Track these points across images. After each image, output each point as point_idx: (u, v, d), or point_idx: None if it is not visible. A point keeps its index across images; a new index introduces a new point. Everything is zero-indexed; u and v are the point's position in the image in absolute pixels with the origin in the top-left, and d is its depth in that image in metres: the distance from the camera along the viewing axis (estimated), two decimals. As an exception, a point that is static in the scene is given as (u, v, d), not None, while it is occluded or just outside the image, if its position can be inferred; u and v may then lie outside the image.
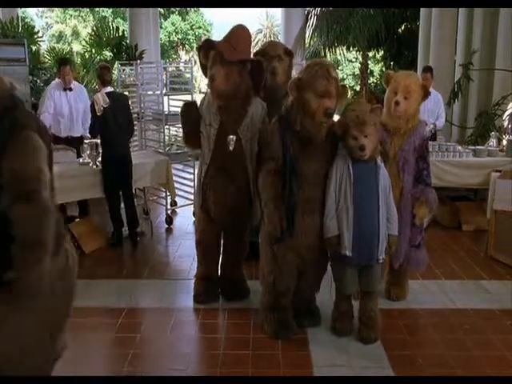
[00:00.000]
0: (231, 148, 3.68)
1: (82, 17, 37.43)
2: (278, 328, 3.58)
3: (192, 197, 6.60)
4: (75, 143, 5.98)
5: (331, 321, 3.67)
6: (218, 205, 3.87)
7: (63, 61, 6.57)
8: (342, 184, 3.33)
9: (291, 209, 3.38)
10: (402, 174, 3.89)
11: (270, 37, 42.06)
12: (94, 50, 10.16)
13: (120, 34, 10.25)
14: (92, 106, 5.30)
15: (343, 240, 3.34)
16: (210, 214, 3.94)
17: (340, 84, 3.36)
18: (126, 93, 7.08)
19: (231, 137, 3.68)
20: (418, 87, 3.86)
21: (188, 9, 40.76)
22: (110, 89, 5.40)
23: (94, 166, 5.45)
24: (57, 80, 6.48)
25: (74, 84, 6.41)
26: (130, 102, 5.86)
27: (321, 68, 3.28)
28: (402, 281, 4.19)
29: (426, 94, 3.92)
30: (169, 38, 38.91)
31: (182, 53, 41.98)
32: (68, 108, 6.25)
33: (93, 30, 10.73)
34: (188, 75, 7.35)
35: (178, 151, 6.88)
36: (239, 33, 3.81)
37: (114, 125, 5.27)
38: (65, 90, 6.26)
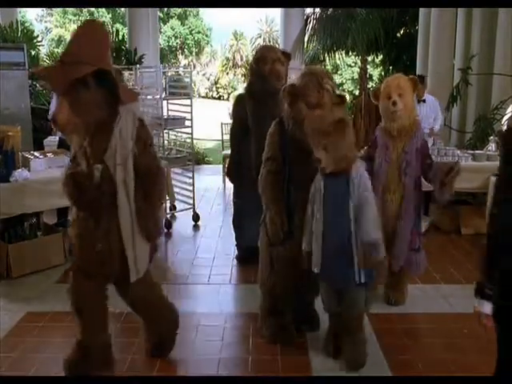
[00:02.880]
0: (96, 180, 2.89)
1: (81, 21, 37.48)
2: (277, 333, 3.58)
3: (191, 201, 6.62)
4: None
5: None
6: (86, 253, 3.01)
7: None
8: (314, 198, 3.15)
9: (290, 211, 3.39)
10: (404, 176, 3.90)
11: (270, 41, 42.25)
12: (93, 55, 10.17)
13: (119, 38, 10.28)
14: None
15: (313, 256, 3.18)
16: (82, 266, 3.08)
17: (336, 94, 3.32)
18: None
19: (96, 166, 2.89)
20: (406, 82, 3.96)
21: (187, 13, 40.87)
22: None
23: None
24: None
25: None
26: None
27: (313, 78, 3.25)
28: (401, 285, 4.19)
29: (414, 86, 4.00)
30: (168, 42, 39.05)
31: (181, 57, 42.09)
32: None
33: (92, 34, 10.74)
34: (187, 79, 7.35)
35: (178, 156, 6.89)
36: (79, 39, 2.84)
37: None
38: None
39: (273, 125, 3.51)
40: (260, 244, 3.64)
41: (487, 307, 2.25)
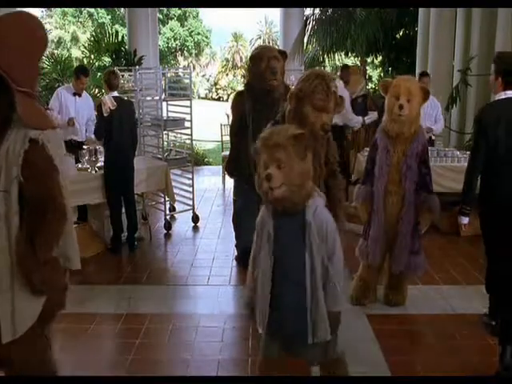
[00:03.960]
0: None
1: (81, 22, 37.53)
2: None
3: (191, 202, 6.62)
4: (76, 148, 5.99)
5: None
6: None
7: (85, 71, 6.58)
8: (261, 239, 2.50)
9: None
10: (404, 180, 3.89)
11: (269, 42, 42.25)
12: (92, 56, 10.19)
13: (119, 39, 10.28)
14: (99, 107, 5.36)
15: (257, 310, 2.52)
16: None
17: (338, 96, 3.32)
18: (125, 98, 7.10)
19: None
20: (418, 90, 3.90)
21: (187, 14, 40.86)
22: (116, 94, 5.47)
23: (93, 172, 5.45)
24: (66, 84, 6.56)
25: (83, 92, 6.49)
26: (134, 109, 5.89)
27: (321, 82, 3.21)
28: (401, 286, 4.19)
29: (426, 97, 3.95)
30: (167, 43, 39.00)
31: (180, 58, 42.08)
32: (74, 112, 6.32)
33: (92, 35, 10.77)
34: (187, 81, 7.36)
35: (177, 157, 6.89)
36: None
37: (119, 129, 5.34)
38: (74, 94, 6.35)
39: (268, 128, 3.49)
40: None
41: (465, 220, 3.64)
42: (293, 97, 3.32)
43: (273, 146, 2.33)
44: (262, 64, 4.63)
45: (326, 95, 3.23)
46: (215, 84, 46.13)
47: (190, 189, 6.63)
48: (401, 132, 3.88)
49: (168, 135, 7.21)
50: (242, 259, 5.17)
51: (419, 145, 3.92)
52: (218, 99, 43.10)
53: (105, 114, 5.27)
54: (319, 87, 3.22)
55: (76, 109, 6.35)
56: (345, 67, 8.23)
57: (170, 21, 39.88)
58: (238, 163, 4.89)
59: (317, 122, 3.25)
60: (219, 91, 45.22)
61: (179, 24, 40.52)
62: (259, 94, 4.63)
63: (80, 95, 6.39)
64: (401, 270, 4.05)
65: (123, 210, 5.58)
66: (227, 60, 47.65)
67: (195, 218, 6.61)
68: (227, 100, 38.86)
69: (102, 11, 34.91)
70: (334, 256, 2.39)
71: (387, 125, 3.96)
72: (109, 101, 5.25)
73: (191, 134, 6.65)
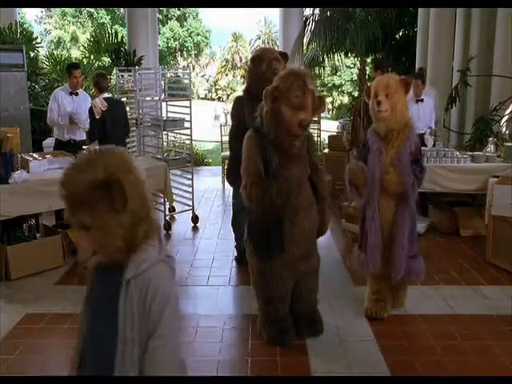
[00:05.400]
0: None
1: (80, 23, 37.55)
2: (276, 334, 3.57)
3: (190, 203, 6.62)
4: (77, 147, 6.00)
5: None
6: None
7: (75, 64, 6.67)
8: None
9: (278, 223, 3.32)
10: (398, 182, 3.78)
11: (269, 43, 42.31)
12: (92, 56, 10.19)
13: (118, 39, 10.28)
14: (90, 110, 5.37)
15: None
16: None
17: (316, 96, 3.27)
18: (124, 99, 7.12)
19: None
20: (396, 83, 3.79)
21: (186, 15, 40.89)
22: (107, 95, 5.50)
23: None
24: (65, 84, 6.59)
25: (80, 90, 6.49)
26: (127, 109, 5.97)
27: (297, 79, 3.18)
28: (399, 292, 4.11)
29: (407, 89, 3.83)
30: (167, 44, 39.02)
31: (180, 59, 42.11)
32: (72, 112, 6.31)
33: (91, 35, 10.77)
34: (186, 81, 7.36)
35: (177, 157, 6.89)
36: None
37: (113, 128, 5.35)
38: (71, 94, 6.35)
39: (249, 137, 3.41)
40: (249, 261, 3.62)
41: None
42: (268, 96, 3.25)
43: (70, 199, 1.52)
44: (263, 65, 4.60)
45: (302, 92, 3.17)
46: (215, 84, 46.20)
47: (190, 189, 6.63)
48: (390, 129, 3.75)
49: (168, 135, 7.21)
50: (242, 260, 5.16)
51: (412, 144, 3.82)
52: (218, 99, 43.17)
53: (97, 116, 5.30)
54: (295, 84, 3.17)
55: (74, 108, 6.34)
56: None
57: (169, 21, 39.91)
58: (239, 167, 4.89)
59: (293, 120, 3.19)
60: (219, 91, 45.30)
61: (179, 24, 40.55)
62: (259, 96, 4.61)
63: (77, 94, 6.38)
64: (401, 276, 3.96)
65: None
66: (227, 60, 47.72)
67: (195, 219, 6.61)
68: (225, 100, 38.92)
69: (101, 11, 34.93)
70: (157, 337, 1.54)
71: (376, 127, 3.88)
72: (100, 103, 5.29)
73: (191, 135, 6.65)
